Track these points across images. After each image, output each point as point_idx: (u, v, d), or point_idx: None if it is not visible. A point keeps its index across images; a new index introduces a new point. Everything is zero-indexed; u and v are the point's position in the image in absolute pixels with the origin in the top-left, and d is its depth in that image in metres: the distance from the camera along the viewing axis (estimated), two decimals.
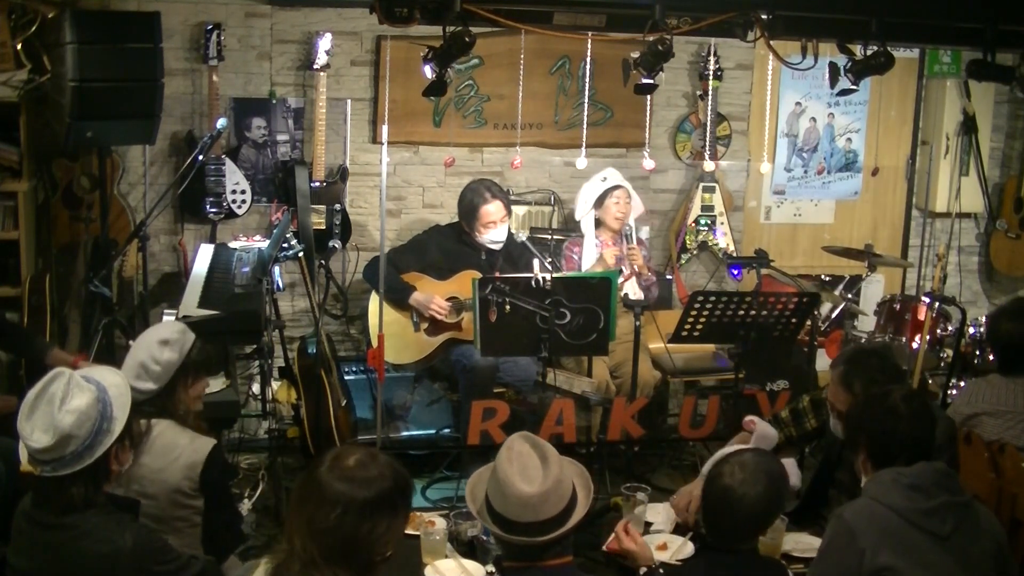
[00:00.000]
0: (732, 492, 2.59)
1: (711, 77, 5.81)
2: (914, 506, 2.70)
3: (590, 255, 5.24)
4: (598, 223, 5.29)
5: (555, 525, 2.37)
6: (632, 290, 5.21)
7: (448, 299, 5.01)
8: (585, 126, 5.60)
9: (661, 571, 2.82)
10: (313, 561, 2.16)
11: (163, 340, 3.07)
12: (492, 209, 5.03)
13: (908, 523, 2.68)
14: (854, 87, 4.38)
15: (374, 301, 4.98)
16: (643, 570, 2.90)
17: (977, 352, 5.34)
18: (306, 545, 2.17)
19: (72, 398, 2.52)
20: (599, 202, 5.27)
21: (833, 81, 4.42)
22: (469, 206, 5.06)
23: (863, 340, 5.26)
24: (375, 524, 2.17)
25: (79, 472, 2.52)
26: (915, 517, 2.70)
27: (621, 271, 5.18)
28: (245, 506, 4.37)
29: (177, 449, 2.96)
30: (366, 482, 2.18)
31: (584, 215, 5.30)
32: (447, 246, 5.14)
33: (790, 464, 3.28)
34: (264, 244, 4.81)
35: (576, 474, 2.52)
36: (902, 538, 2.68)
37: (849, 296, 5.46)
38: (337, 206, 5.46)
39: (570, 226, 5.79)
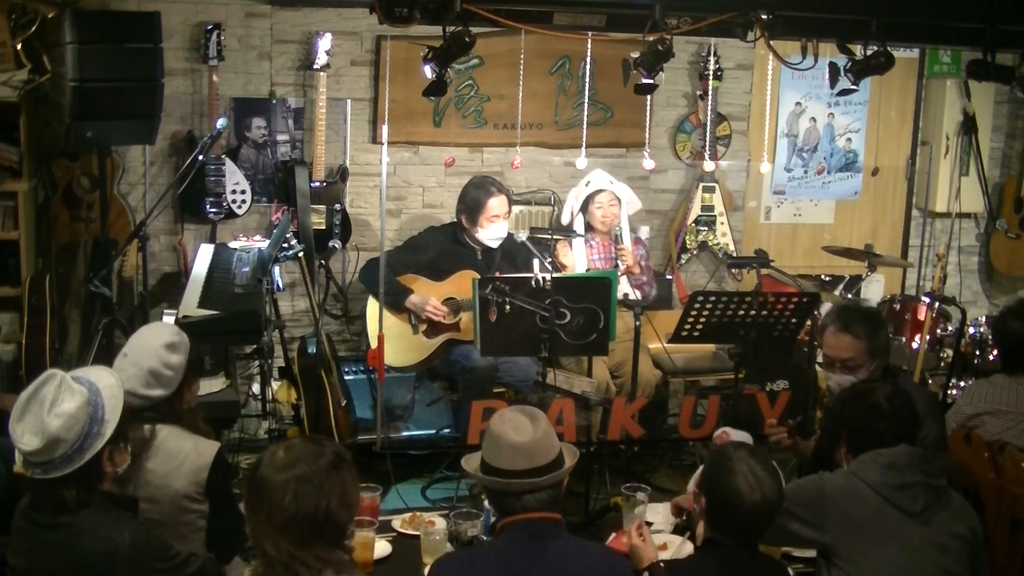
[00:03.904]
0: (742, 496, 2.57)
1: (711, 77, 5.81)
2: (888, 481, 2.84)
3: (580, 257, 5.25)
4: (589, 226, 5.31)
5: (546, 471, 2.56)
6: (629, 289, 5.21)
7: (445, 300, 5.01)
8: (585, 126, 5.60)
9: (662, 566, 2.82)
10: (292, 555, 2.21)
11: (169, 344, 3.03)
12: (496, 203, 5.03)
13: (880, 497, 2.82)
14: (854, 87, 4.38)
15: (372, 304, 4.98)
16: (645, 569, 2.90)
17: (977, 352, 5.35)
18: (278, 544, 2.23)
19: (62, 401, 2.51)
20: (584, 206, 5.29)
21: (833, 81, 4.42)
22: (474, 200, 5.06)
23: None
24: (329, 493, 2.26)
25: (70, 474, 2.52)
26: (887, 492, 2.83)
27: (618, 267, 5.18)
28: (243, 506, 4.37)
29: (182, 454, 2.95)
30: (302, 464, 2.27)
31: (569, 220, 5.33)
32: (443, 246, 5.14)
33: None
34: (264, 244, 4.81)
35: (563, 443, 2.70)
36: (870, 518, 2.81)
37: (849, 296, 5.46)
38: (337, 206, 5.46)
39: (568, 227, 5.79)
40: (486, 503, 3.09)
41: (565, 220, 5.40)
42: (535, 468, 2.55)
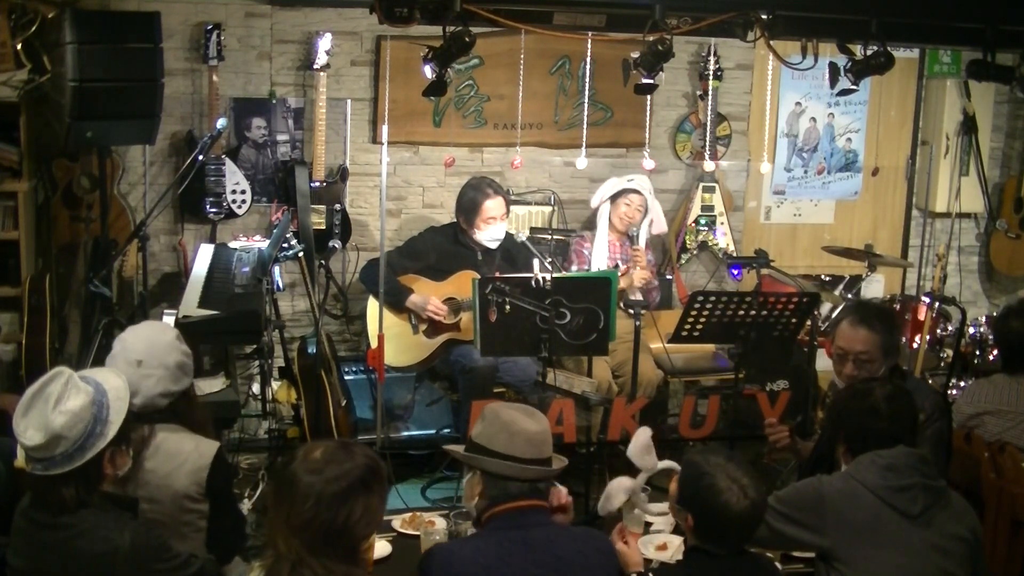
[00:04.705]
0: (731, 507, 2.53)
1: (711, 77, 5.81)
2: (886, 483, 2.82)
3: (601, 251, 5.25)
4: (608, 220, 5.32)
5: (549, 463, 2.66)
6: (636, 295, 5.21)
7: (445, 300, 5.01)
8: (585, 126, 5.60)
9: (650, 575, 2.82)
10: (300, 558, 2.20)
11: (177, 335, 3.05)
12: (493, 205, 5.03)
13: (879, 500, 2.80)
14: (854, 87, 4.38)
15: (373, 304, 4.98)
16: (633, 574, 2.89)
17: (977, 352, 5.35)
18: (290, 543, 2.22)
19: (67, 399, 2.52)
20: (614, 198, 5.29)
21: (833, 81, 4.43)
22: (470, 202, 5.06)
23: None
24: (351, 509, 2.24)
25: (70, 473, 2.52)
26: (886, 494, 2.81)
27: (618, 266, 5.18)
28: (245, 506, 4.37)
29: (182, 454, 2.93)
30: (334, 471, 2.25)
31: (597, 204, 5.33)
32: (443, 247, 5.14)
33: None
34: (264, 244, 4.81)
35: None
36: (869, 521, 2.79)
37: (849, 296, 5.46)
38: (337, 206, 5.46)
39: (570, 226, 5.80)
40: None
41: (594, 203, 5.41)
42: (545, 458, 2.64)
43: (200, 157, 4.69)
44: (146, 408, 2.91)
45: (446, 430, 5.22)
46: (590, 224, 5.51)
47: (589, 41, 4.92)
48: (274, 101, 5.52)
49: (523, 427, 2.62)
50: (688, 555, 2.69)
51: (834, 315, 5.00)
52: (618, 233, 5.31)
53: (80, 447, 2.52)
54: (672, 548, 3.17)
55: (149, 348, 2.98)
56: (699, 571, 2.62)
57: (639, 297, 5.15)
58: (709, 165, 5.88)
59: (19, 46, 4.91)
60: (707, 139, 5.86)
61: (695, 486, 2.59)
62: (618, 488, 3.15)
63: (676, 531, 3.31)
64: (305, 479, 2.24)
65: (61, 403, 2.51)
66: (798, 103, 6.23)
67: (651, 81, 4.16)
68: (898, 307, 5.45)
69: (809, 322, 4.61)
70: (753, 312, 4.22)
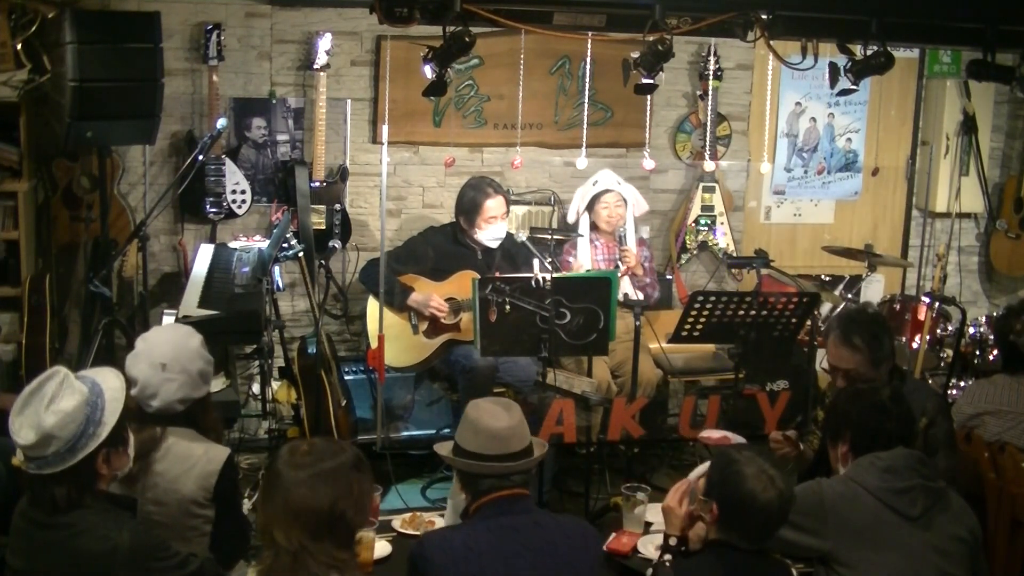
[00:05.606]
0: (756, 496, 2.55)
1: (711, 77, 5.81)
2: (886, 485, 2.83)
3: (584, 256, 5.25)
4: (594, 225, 5.31)
5: (520, 457, 2.69)
6: (631, 290, 5.21)
7: (446, 300, 5.01)
8: (585, 126, 5.60)
9: (668, 565, 2.81)
10: (303, 546, 2.23)
11: (201, 342, 3.05)
12: (493, 204, 5.03)
13: (879, 502, 2.81)
14: (854, 87, 4.38)
15: (372, 304, 4.98)
16: (650, 571, 2.89)
17: (977, 352, 5.35)
18: (290, 534, 2.24)
19: (61, 399, 2.52)
20: (591, 205, 5.29)
21: (833, 81, 4.43)
22: (471, 202, 5.06)
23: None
24: (348, 488, 2.31)
25: (62, 473, 2.52)
26: (886, 496, 2.82)
27: (618, 267, 5.18)
28: (245, 506, 4.37)
29: (192, 458, 2.93)
30: (326, 457, 2.33)
31: (575, 218, 5.33)
32: (443, 247, 5.14)
33: None
34: (264, 244, 4.81)
35: (532, 437, 2.82)
36: (869, 523, 2.80)
37: (849, 296, 5.45)
38: (337, 206, 5.46)
39: (570, 227, 5.79)
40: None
41: (571, 218, 5.40)
42: (511, 453, 2.68)
43: (200, 157, 4.69)
44: (162, 411, 2.93)
45: (446, 430, 5.22)
46: (571, 233, 5.48)
47: (589, 41, 4.92)
48: (274, 101, 5.52)
49: (486, 425, 2.68)
50: (708, 548, 2.69)
51: (829, 320, 4.98)
52: (607, 235, 5.31)
53: (71, 448, 2.52)
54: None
55: (175, 353, 2.97)
56: (718, 564, 2.63)
57: (639, 296, 5.15)
58: (709, 165, 5.88)
59: (19, 46, 4.91)
60: (707, 139, 5.86)
61: (723, 473, 2.62)
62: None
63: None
64: (299, 473, 2.29)
65: (54, 403, 2.51)
66: (798, 103, 6.23)
67: (651, 81, 4.16)
68: (898, 307, 5.45)
69: (809, 322, 4.61)
70: (753, 312, 4.22)
